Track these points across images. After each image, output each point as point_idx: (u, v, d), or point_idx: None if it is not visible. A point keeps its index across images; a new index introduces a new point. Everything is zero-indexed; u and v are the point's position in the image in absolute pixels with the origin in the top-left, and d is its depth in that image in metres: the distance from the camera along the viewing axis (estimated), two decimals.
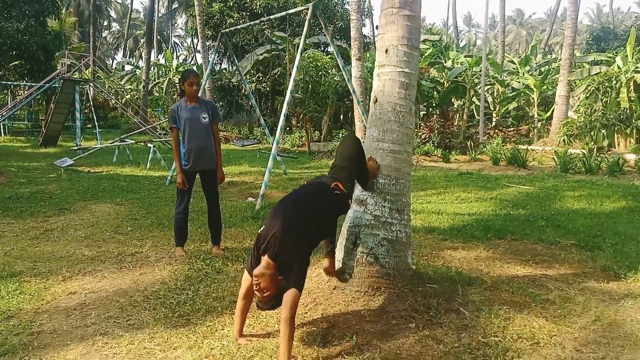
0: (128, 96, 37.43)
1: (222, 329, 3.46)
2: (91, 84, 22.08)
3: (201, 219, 6.52)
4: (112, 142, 15.18)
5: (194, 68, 39.20)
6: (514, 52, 73.52)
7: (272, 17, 8.87)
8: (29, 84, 22.58)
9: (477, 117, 25.88)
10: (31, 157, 14.93)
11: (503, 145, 18.97)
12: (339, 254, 4.09)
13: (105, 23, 69.78)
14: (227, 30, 10.03)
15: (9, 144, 19.71)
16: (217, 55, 27.03)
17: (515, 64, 31.32)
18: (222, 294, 4.06)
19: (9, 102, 23.49)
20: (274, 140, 8.36)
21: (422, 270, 4.56)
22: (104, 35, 69.99)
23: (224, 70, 31.37)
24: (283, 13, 8.27)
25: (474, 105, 27.04)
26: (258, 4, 24.37)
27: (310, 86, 16.31)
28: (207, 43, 23.06)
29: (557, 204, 8.44)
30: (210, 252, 5.21)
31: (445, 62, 26.56)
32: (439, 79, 26.47)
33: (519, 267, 5.00)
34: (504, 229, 6.54)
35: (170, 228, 6.10)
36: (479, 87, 23.77)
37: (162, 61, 46.16)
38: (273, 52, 21.34)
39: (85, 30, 49.87)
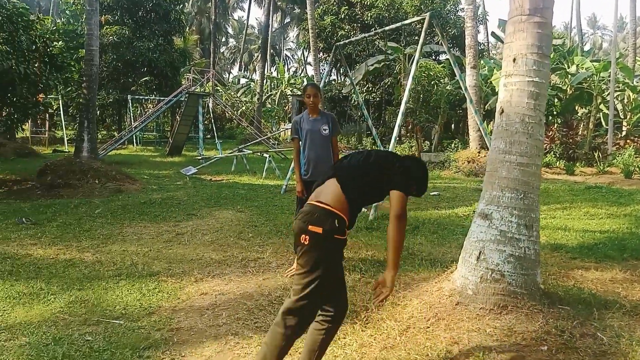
0: (243, 108, 39.51)
1: (344, 338, 3.51)
2: (211, 97, 23.56)
3: None
4: (231, 152, 16.08)
5: (305, 80, 40.56)
6: None
7: (386, 28, 8.89)
8: (157, 98, 24.60)
9: (604, 126, 23.90)
10: (160, 165, 16.26)
11: (637, 157, 17.34)
12: (461, 268, 3.99)
13: (223, 39, 74.46)
14: (341, 43, 10.24)
15: (140, 153, 21.65)
16: (328, 66, 27.74)
17: None
18: None
19: (140, 115, 25.85)
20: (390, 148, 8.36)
21: (552, 290, 4.29)
22: (221, 50, 74.71)
23: (333, 82, 31.99)
24: (399, 24, 8.26)
25: (601, 113, 25.00)
26: (369, 15, 24.57)
27: (422, 95, 16.09)
28: (319, 55, 23.66)
29: None
30: None
31: (569, 68, 24.85)
32: (560, 85, 24.83)
33: None
34: None
35: (288, 236, 6.33)
36: (606, 93, 21.96)
37: (274, 74, 48.11)
38: (384, 63, 21.38)
39: (205, 47, 53.53)
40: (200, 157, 15.79)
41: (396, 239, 2.72)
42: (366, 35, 10.17)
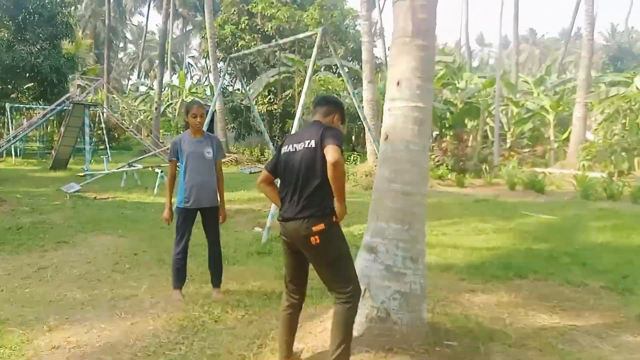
0: (141, 117, 37.61)
1: None
2: (102, 107, 22.01)
3: (204, 255, 6.13)
4: (119, 168, 14.97)
5: (208, 89, 39.40)
6: (527, 71, 73.01)
7: (281, 41, 8.66)
8: (42, 106, 22.61)
9: (491, 138, 25.42)
10: (39, 181, 14.76)
11: (519, 168, 18.50)
12: None
13: (121, 45, 70.78)
14: (235, 55, 9.83)
15: (19, 167, 19.65)
16: (229, 77, 27.06)
17: (529, 84, 30.83)
18: (217, 350, 3.68)
19: (23, 124, 23.57)
20: None
21: (439, 321, 4.16)
22: (120, 56, 70.98)
23: (236, 91, 31.33)
24: (292, 38, 8.03)
25: (488, 126, 26.61)
26: (270, 26, 24.30)
27: None
28: (219, 65, 23.00)
29: (580, 237, 7.99)
30: (209, 296, 4.85)
31: (459, 83, 26.23)
32: (452, 100, 26.12)
33: (545, 315, 4.57)
34: (525, 266, 6.10)
35: (169, 264, 5.77)
36: (492, 108, 23.37)
37: (175, 82, 46.41)
38: (284, 74, 21.18)
39: (101, 52, 50.49)
40: (82, 174, 14.51)
41: (336, 183, 2.98)
42: (261, 47, 9.89)
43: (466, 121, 28.05)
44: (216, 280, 4.94)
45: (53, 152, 19.08)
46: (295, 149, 3.14)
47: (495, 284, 5.50)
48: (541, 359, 3.63)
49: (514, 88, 26.20)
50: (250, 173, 11.25)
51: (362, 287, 3.57)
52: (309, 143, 3.08)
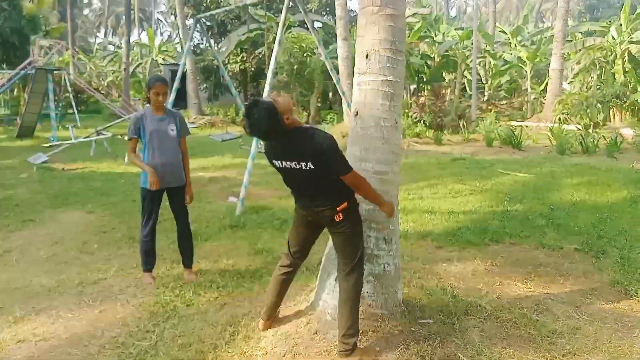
0: (110, 78, 36.43)
1: None
2: (66, 70, 21.12)
3: (175, 231, 5.98)
4: (87, 137, 14.49)
5: (178, 47, 38.01)
6: (504, 19, 72.35)
7: (247, 2, 8.25)
8: (6, 71, 21.65)
9: (469, 92, 25.29)
10: (5, 152, 14.25)
11: (496, 122, 18.47)
12: (320, 289, 3.64)
13: (86, 0, 67.88)
14: (202, 15, 9.38)
15: None
16: (199, 35, 26.15)
17: (507, 34, 30.55)
18: (188, 338, 3.58)
19: None
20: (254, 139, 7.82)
21: (415, 296, 4.11)
22: (85, 13, 68.14)
23: (208, 49, 30.42)
24: None
25: (465, 79, 26.43)
26: None
27: (295, 67, 15.63)
28: (188, 22, 22.16)
29: (555, 195, 8.02)
30: (182, 277, 4.73)
31: (436, 36, 25.83)
32: (429, 53, 25.77)
33: (520, 283, 4.57)
34: (501, 231, 6.10)
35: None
36: (470, 60, 23.12)
37: (145, 40, 44.84)
38: (256, 32, 20.49)
39: (65, 10, 48.33)
40: (48, 144, 14.00)
41: (370, 198, 3.26)
42: (227, 8, 9.45)
43: (444, 75, 27.84)
44: (187, 262, 4.81)
45: (18, 119, 18.38)
46: (291, 166, 3.11)
47: (471, 251, 5.48)
48: (516, 332, 3.62)
49: (491, 39, 25.93)
50: (223, 141, 10.95)
51: (333, 270, 3.49)
52: (306, 165, 3.03)
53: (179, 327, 3.76)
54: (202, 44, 28.58)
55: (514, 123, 19.32)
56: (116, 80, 35.68)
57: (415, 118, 18.99)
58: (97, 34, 70.60)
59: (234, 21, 24.10)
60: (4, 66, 22.60)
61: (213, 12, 10.25)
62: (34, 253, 5.52)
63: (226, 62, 23.06)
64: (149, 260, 4.70)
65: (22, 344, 3.58)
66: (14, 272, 4.96)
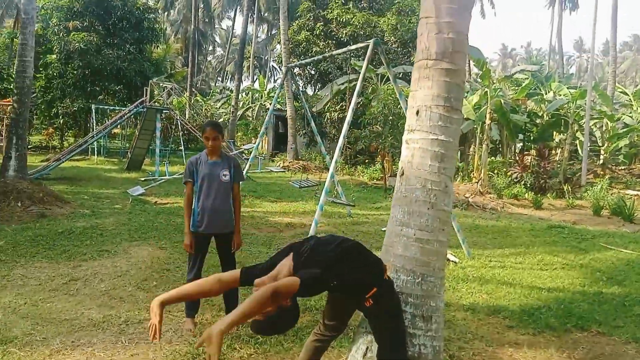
0: (222, 120, 38.72)
1: None
2: (173, 110, 22.69)
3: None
4: (180, 174, 15.25)
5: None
6: (630, 80, 67.56)
7: (334, 53, 8.31)
8: (125, 108, 23.75)
9: (581, 154, 23.50)
10: (110, 182, 15.37)
11: (609, 189, 16.83)
12: None
13: (210, 48, 73.71)
14: (293, 64, 9.61)
15: (98, 166, 20.65)
16: (301, 82, 27.08)
17: (628, 95, 28.27)
18: None
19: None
20: (329, 175, 7.68)
21: None
22: (209, 59, 73.91)
23: (300, 96, 31.35)
24: (344, 50, 7.69)
25: (578, 141, 24.65)
26: (344, 32, 24.03)
27: (390, 119, 15.49)
28: (294, 71, 23.04)
29: None
30: None
31: (546, 94, 24.52)
32: (537, 111, 24.47)
33: None
34: (589, 316, 5.31)
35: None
36: (584, 121, 21.56)
37: (256, 86, 47.44)
38: (354, 82, 20.71)
39: (189, 56, 52.73)
40: (144, 179, 14.89)
41: (251, 304, 2.44)
42: (315, 58, 9.62)
43: (554, 135, 26.21)
44: (230, 312, 4.64)
45: (128, 153, 19.93)
46: None
47: (547, 337, 4.79)
48: None
49: (609, 100, 24.05)
50: (300, 188, 10.94)
51: (365, 346, 3.13)
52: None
53: None
54: (303, 91, 29.53)
55: (630, 192, 17.51)
56: (227, 122, 37.87)
57: (516, 178, 17.87)
58: (218, 78, 76.08)
59: (336, 71, 24.67)
60: (126, 104, 24.89)
61: (303, 62, 10.50)
62: (95, 285, 5.67)
63: (325, 109, 23.51)
64: (192, 305, 4.61)
65: None
66: (70, 303, 5.09)
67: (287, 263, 2.76)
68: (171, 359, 3.94)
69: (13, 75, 12.36)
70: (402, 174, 3.27)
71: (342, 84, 20.54)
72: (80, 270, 6.18)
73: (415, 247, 3.13)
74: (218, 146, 4.54)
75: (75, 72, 23.88)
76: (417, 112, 3.22)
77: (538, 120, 24.90)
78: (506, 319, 5.21)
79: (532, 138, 25.61)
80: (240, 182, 4.74)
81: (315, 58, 10.55)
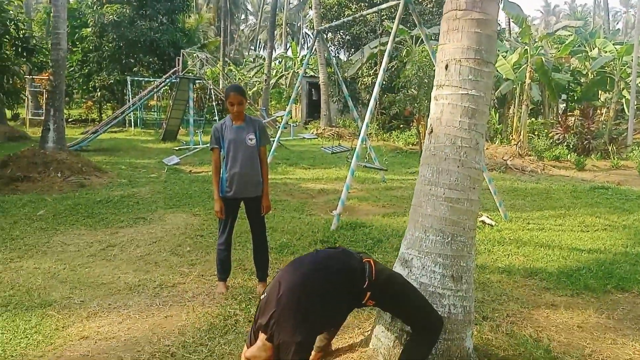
0: (255, 88, 38.71)
1: None
2: (206, 80, 22.72)
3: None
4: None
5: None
6: None
7: (364, 13, 8.04)
8: (155, 79, 23.91)
9: (627, 113, 22.47)
10: (147, 152, 15.65)
11: None
12: (377, 326, 3.24)
13: (243, 17, 73.27)
14: (322, 27, 9.41)
15: (135, 137, 21.04)
16: (334, 47, 26.63)
17: None
18: (238, 358, 3.40)
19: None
20: (359, 139, 7.58)
21: (498, 345, 3.52)
22: (242, 28, 73.55)
23: (344, 62, 30.85)
24: (375, 9, 7.45)
25: (624, 99, 23.55)
26: None
27: (425, 81, 15.07)
28: (325, 36, 22.62)
29: None
30: (254, 290, 4.60)
31: (591, 51, 23.38)
32: (581, 69, 23.42)
33: (639, 344, 3.72)
34: (631, 277, 5.13)
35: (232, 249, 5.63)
36: (630, 78, 20.51)
37: (289, 53, 47.04)
38: (387, 44, 20.12)
39: (224, 25, 52.57)
40: (179, 148, 15.05)
41: None
42: (345, 19, 9.36)
43: (599, 94, 25.11)
44: (261, 274, 4.68)
45: (163, 124, 20.19)
46: None
47: (586, 298, 4.65)
48: None
49: None
50: (332, 153, 10.85)
51: None
52: None
53: (232, 344, 3.61)
54: (336, 57, 29.07)
55: None
56: (260, 90, 37.81)
57: (558, 139, 17.28)
58: (251, 47, 75.79)
59: (369, 34, 24.11)
60: (160, 75, 25.11)
61: (332, 24, 10.22)
62: (132, 251, 5.81)
63: (358, 75, 23.12)
64: (223, 269, 4.66)
65: (84, 340, 3.69)
66: (107, 268, 5.23)
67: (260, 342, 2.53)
68: (203, 320, 4.00)
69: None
70: (431, 132, 3.15)
71: (375, 47, 20.10)
72: (117, 237, 6.33)
73: (444, 206, 3.03)
74: (242, 111, 4.49)
75: (110, 44, 24.18)
76: (447, 67, 3.07)
77: (582, 79, 23.89)
78: (543, 281, 5.08)
79: (575, 98, 24.64)
80: (271, 149, 4.69)
81: (346, 19, 10.25)
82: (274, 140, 10.75)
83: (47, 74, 11.01)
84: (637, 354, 3.60)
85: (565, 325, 4.06)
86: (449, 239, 3.02)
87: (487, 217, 7.48)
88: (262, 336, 2.50)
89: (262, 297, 2.65)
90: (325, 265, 2.71)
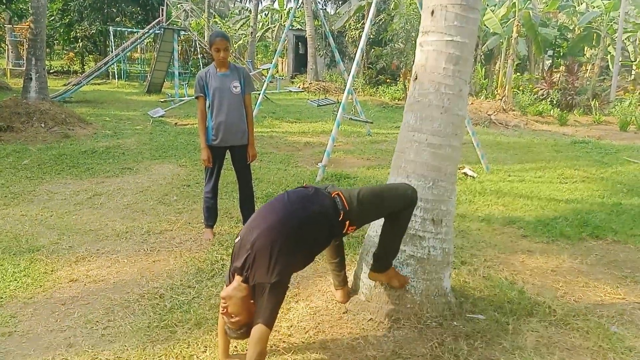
0: (240, 42, 37.95)
1: (204, 352, 2.93)
2: (191, 32, 22.17)
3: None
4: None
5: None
6: None
7: None
8: (137, 30, 23.23)
9: (612, 69, 22.55)
10: (131, 105, 15.42)
11: (639, 105, 16.25)
12: (358, 267, 3.37)
13: None
14: None
15: (119, 89, 20.66)
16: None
17: None
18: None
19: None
20: (345, 91, 7.58)
21: (474, 287, 3.69)
22: None
23: (331, 15, 30.26)
24: None
25: (609, 56, 23.59)
26: None
27: (412, 35, 14.92)
28: None
29: None
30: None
31: (578, 6, 23.23)
32: (568, 25, 23.31)
33: (610, 287, 3.91)
34: (605, 225, 5.31)
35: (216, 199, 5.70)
36: (617, 35, 20.50)
37: (276, 5, 45.94)
38: None
39: None
40: (164, 100, 14.87)
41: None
42: None
43: (585, 50, 25.12)
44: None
45: (148, 76, 19.83)
46: None
47: (560, 245, 4.84)
48: (584, 343, 3.08)
49: None
50: (318, 106, 10.82)
51: (374, 248, 3.19)
52: None
53: (220, 286, 3.71)
54: (324, 9, 28.49)
55: None
56: (246, 43, 37.09)
57: (542, 95, 17.36)
58: None
59: None
60: (143, 26, 24.41)
61: None
62: (119, 199, 5.85)
63: (346, 28, 22.76)
64: (210, 216, 4.74)
65: (73, 283, 3.77)
66: (94, 215, 5.28)
67: (235, 282, 2.57)
68: (191, 264, 4.11)
69: None
70: (416, 79, 3.18)
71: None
72: (103, 186, 6.36)
73: (427, 152, 3.10)
74: (227, 58, 4.46)
75: None
76: (432, 12, 3.08)
77: (569, 35, 23.82)
78: (521, 229, 5.25)
79: (561, 54, 24.61)
80: (252, 95, 4.68)
81: None
82: (259, 93, 10.71)
83: (27, 23, 10.68)
84: (608, 295, 3.78)
85: (540, 270, 4.23)
86: (431, 183, 3.11)
87: (470, 169, 7.61)
88: (237, 277, 2.59)
89: (237, 240, 2.72)
90: (299, 208, 2.74)
